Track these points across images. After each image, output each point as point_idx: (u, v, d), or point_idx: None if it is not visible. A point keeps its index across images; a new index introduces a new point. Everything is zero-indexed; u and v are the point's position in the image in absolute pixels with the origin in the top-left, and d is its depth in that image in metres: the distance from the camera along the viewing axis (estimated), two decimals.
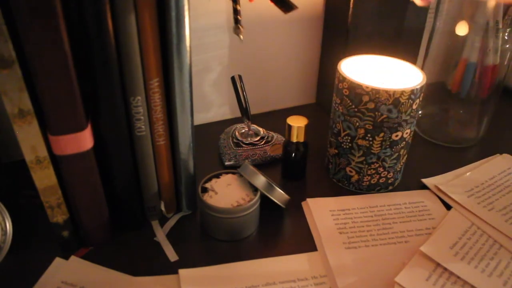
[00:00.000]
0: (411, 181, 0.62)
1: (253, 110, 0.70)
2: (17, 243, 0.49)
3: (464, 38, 0.65)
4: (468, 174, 0.63)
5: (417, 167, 0.65)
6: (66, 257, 0.49)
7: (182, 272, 0.47)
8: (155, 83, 0.45)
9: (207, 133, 0.72)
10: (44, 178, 0.43)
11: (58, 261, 0.48)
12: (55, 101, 0.40)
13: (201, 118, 0.76)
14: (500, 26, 0.62)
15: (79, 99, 0.41)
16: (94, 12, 0.39)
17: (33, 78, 0.39)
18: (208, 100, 0.75)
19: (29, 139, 0.41)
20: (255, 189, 0.53)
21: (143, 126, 0.47)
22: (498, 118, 0.74)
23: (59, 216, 0.46)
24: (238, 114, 0.67)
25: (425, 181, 0.62)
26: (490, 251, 0.50)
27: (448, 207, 0.57)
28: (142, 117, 0.46)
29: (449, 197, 0.58)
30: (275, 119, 0.72)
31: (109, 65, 0.42)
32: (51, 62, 0.38)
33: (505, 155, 0.68)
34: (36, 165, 0.42)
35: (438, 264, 0.48)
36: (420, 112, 0.74)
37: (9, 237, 0.47)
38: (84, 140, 0.43)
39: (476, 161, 0.67)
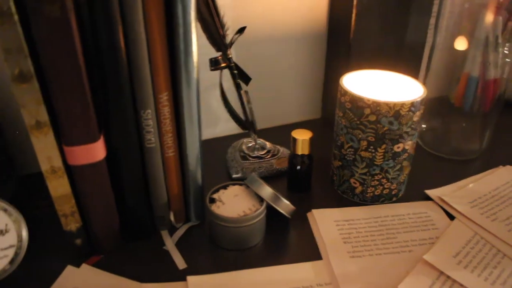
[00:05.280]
0: (415, 192, 0.63)
1: (260, 125, 0.72)
2: (29, 251, 0.51)
3: (465, 53, 0.66)
4: (471, 185, 0.64)
5: (421, 179, 0.66)
6: (77, 265, 0.50)
7: (190, 279, 0.48)
8: (165, 97, 0.47)
9: (215, 147, 0.74)
10: (59, 187, 0.45)
11: (69, 269, 0.50)
12: (70, 113, 0.42)
13: (209, 133, 0.78)
14: (500, 40, 0.64)
15: (92, 112, 0.43)
16: (106, 29, 0.41)
17: (50, 92, 0.41)
18: (216, 115, 0.77)
19: (45, 149, 0.43)
20: (261, 200, 0.54)
21: (153, 138, 0.49)
22: (500, 131, 0.75)
23: (72, 224, 0.48)
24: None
25: (429, 192, 0.63)
26: (494, 260, 0.51)
27: (452, 218, 0.58)
28: (152, 130, 0.48)
29: (453, 207, 0.59)
30: (281, 134, 0.74)
31: (120, 79, 0.44)
32: (66, 77, 0.40)
33: (508, 166, 0.69)
34: (51, 174, 0.44)
35: (441, 272, 0.49)
36: (424, 126, 0.76)
37: (25, 244, 0.49)
38: (97, 151, 0.45)
39: (479, 173, 0.68)
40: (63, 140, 0.44)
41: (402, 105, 0.53)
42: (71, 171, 0.46)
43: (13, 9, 0.36)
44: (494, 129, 0.72)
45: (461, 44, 0.66)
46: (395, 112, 0.53)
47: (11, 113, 0.60)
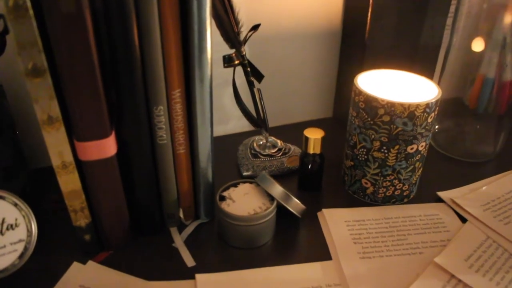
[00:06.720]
0: (426, 194, 0.63)
1: (272, 123, 0.72)
2: (37, 246, 0.50)
3: (481, 54, 0.66)
4: (484, 188, 0.63)
5: (433, 180, 0.65)
6: (84, 261, 0.50)
7: (199, 277, 0.48)
8: (177, 94, 0.47)
9: (226, 144, 0.74)
10: (69, 182, 0.45)
11: (76, 265, 0.50)
12: (82, 109, 0.42)
13: (220, 130, 0.78)
14: None
15: (104, 107, 0.43)
16: (121, 25, 0.41)
17: (63, 87, 0.41)
18: (228, 113, 0.77)
19: (57, 144, 0.43)
20: (271, 199, 0.54)
21: (164, 135, 0.49)
22: None
23: (81, 220, 0.48)
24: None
25: (441, 194, 0.62)
26: (506, 264, 0.50)
27: (464, 221, 0.58)
28: (163, 126, 0.48)
29: (465, 210, 0.58)
30: (293, 132, 0.73)
31: (134, 76, 0.44)
32: (80, 73, 0.40)
33: None
34: (62, 169, 0.44)
35: (452, 275, 0.48)
36: (437, 127, 0.75)
37: (34, 238, 0.49)
38: (108, 146, 0.45)
39: (493, 175, 0.67)
40: (74, 135, 0.44)
41: (417, 106, 0.52)
42: (81, 166, 0.46)
43: (29, 3, 0.36)
44: (509, 131, 0.71)
45: (478, 45, 0.65)
46: (410, 113, 0.53)
47: (24, 107, 0.60)
